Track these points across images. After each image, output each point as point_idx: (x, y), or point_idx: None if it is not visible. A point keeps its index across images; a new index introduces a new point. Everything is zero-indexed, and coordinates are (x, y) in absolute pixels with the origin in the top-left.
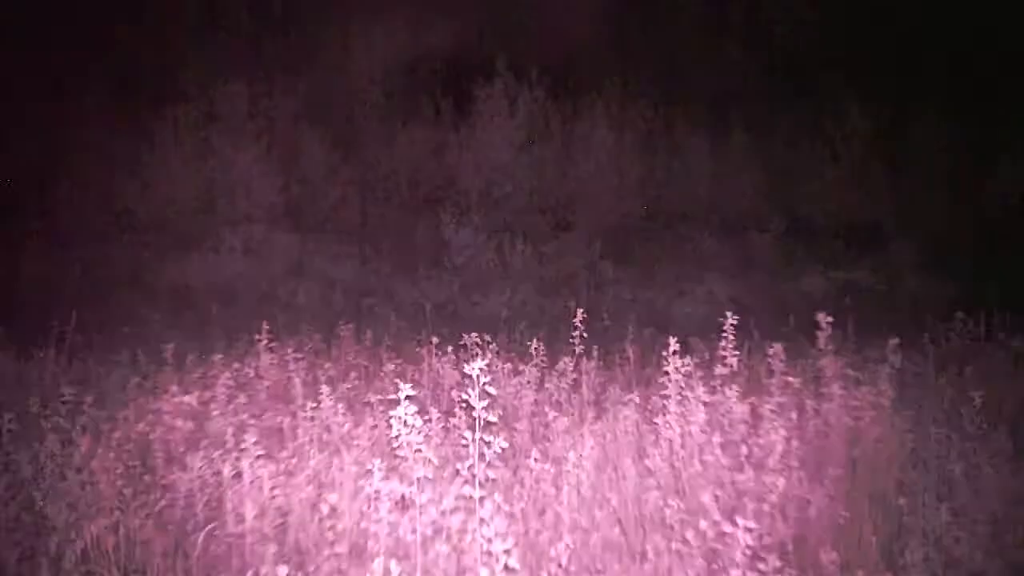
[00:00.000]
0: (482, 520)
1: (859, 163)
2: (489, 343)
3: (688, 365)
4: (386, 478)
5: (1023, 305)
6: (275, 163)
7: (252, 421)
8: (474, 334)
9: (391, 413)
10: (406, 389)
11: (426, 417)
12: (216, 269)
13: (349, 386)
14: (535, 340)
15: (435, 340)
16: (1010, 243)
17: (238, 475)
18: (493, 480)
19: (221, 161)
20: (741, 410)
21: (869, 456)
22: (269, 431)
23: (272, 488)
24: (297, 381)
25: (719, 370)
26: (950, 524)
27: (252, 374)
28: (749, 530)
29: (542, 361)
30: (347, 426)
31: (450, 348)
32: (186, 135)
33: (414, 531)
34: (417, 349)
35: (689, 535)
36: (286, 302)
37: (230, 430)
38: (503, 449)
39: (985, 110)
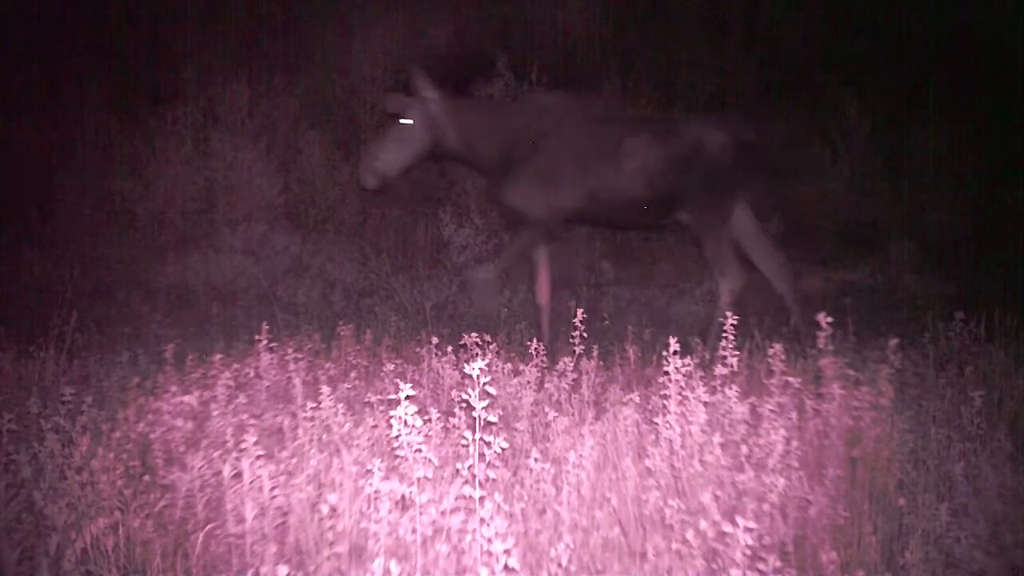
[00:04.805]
0: (482, 520)
1: (859, 163)
2: (489, 343)
3: (688, 365)
4: (386, 478)
5: (1023, 305)
6: (275, 163)
7: (252, 421)
8: (474, 334)
9: (391, 413)
10: (406, 389)
11: (426, 417)
12: (216, 269)
13: (349, 386)
14: (535, 340)
15: (435, 340)
16: (1010, 243)
17: (238, 475)
18: (493, 480)
19: (221, 161)
20: (741, 410)
21: (869, 456)
22: (269, 431)
23: (272, 488)
24: (297, 381)
25: (719, 370)
26: (950, 524)
27: (252, 374)
28: (749, 530)
29: (542, 361)
30: (347, 426)
31: (450, 348)
32: (186, 135)
33: (414, 531)
34: (417, 349)
35: (689, 535)
36: (286, 302)
37: (230, 430)
38: (503, 449)
39: (985, 109)
